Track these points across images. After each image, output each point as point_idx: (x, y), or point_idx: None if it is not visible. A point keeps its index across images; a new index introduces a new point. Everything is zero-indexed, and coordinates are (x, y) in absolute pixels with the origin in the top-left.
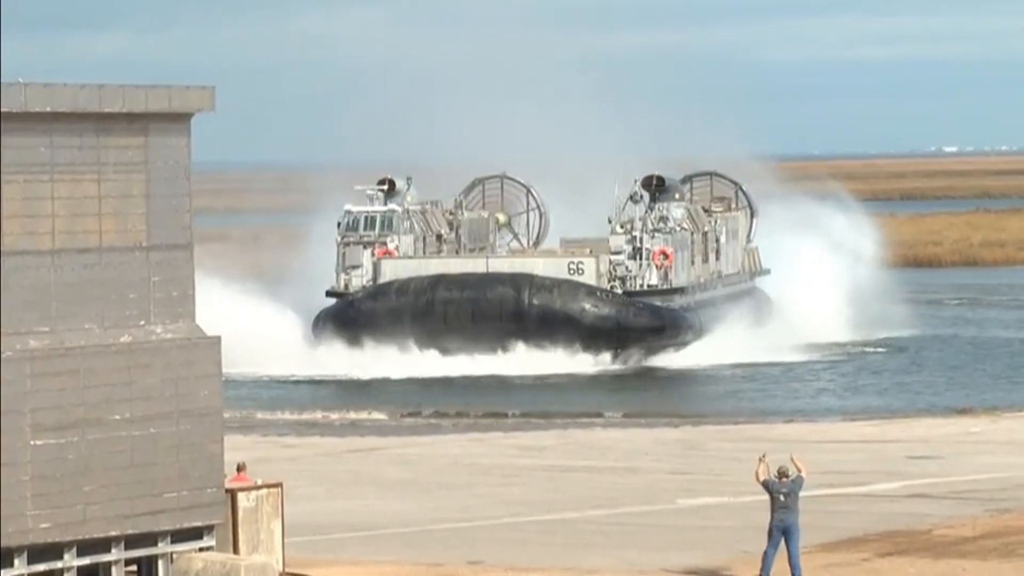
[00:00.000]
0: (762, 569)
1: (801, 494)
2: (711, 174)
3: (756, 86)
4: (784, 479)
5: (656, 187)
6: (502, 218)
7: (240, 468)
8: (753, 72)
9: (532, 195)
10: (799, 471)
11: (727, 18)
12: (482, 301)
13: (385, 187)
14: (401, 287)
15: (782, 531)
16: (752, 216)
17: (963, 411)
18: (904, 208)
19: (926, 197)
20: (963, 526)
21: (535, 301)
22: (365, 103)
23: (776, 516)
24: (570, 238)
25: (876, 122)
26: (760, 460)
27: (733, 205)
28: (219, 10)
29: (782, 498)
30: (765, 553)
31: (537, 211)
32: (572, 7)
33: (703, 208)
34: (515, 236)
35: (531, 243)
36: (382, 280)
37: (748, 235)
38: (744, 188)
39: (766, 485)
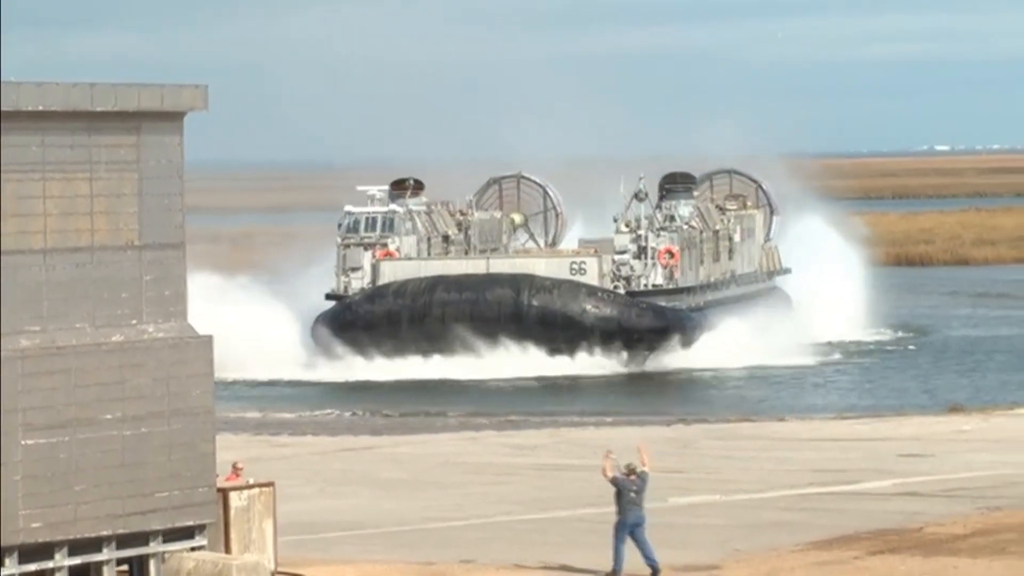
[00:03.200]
0: (615, 564)
1: (785, 493)
2: (730, 172)
3: (748, 85)
4: (633, 476)
5: (675, 184)
6: (518, 219)
7: (236, 467)
8: (745, 72)
9: (549, 195)
10: (643, 465)
11: (721, 18)
12: (480, 303)
13: (400, 188)
14: (399, 289)
15: (634, 526)
16: (772, 214)
17: (954, 409)
18: (896, 207)
19: (918, 196)
20: (954, 524)
21: (534, 302)
22: (364, 102)
23: (626, 512)
24: (589, 239)
25: (868, 121)
26: (606, 456)
27: (750, 203)
28: (213, 9)
29: (632, 494)
30: (616, 549)
31: (554, 211)
32: (572, 6)
33: (717, 206)
34: (532, 236)
35: (548, 244)
36: (381, 282)
37: (767, 234)
38: (764, 186)
39: (615, 482)
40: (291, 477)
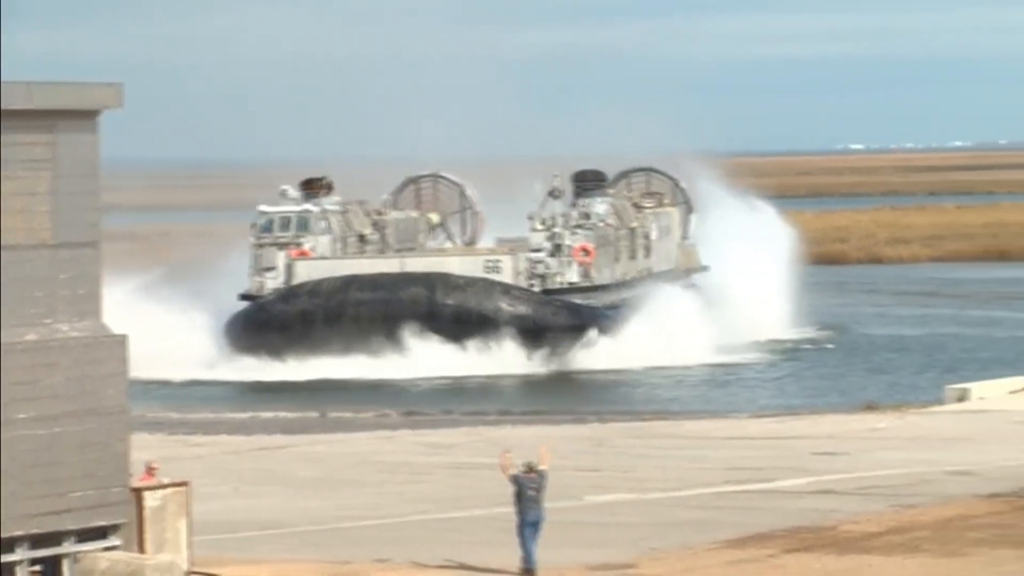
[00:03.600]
0: (528, 563)
1: (701, 491)
2: (648, 170)
3: (662, 83)
4: (532, 474)
5: (585, 182)
6: (435, 218)
7: (150, 467)
8: (659, 69)
9: (466, 194)
10: (543, 464)
11: (635, 15)
12: (394, 301)
13: (311, 187)
14: (313, 289)
15: (534, 524)
16: (689, 212)
17: (869, 407)
18: (811, 205)
19: (833, 194)
20: (868, 522)
21: (449, 301)
22: (279, 100)
23: (526, 511)
24: (507, 238)
25: (784, 119)
26: (504, 454)
27: (667, 201)
28: (128, 6)
29: (531, 492)
30: (527, 549)
31: (471, 210)
32: (484, 5)
33: (633, 204)
34: (449, 236)
35: (465, 243)
36: (295, 282)
37: (685, 232)
38: (682, 184)
39: (515, 480)
40: (206, 476)
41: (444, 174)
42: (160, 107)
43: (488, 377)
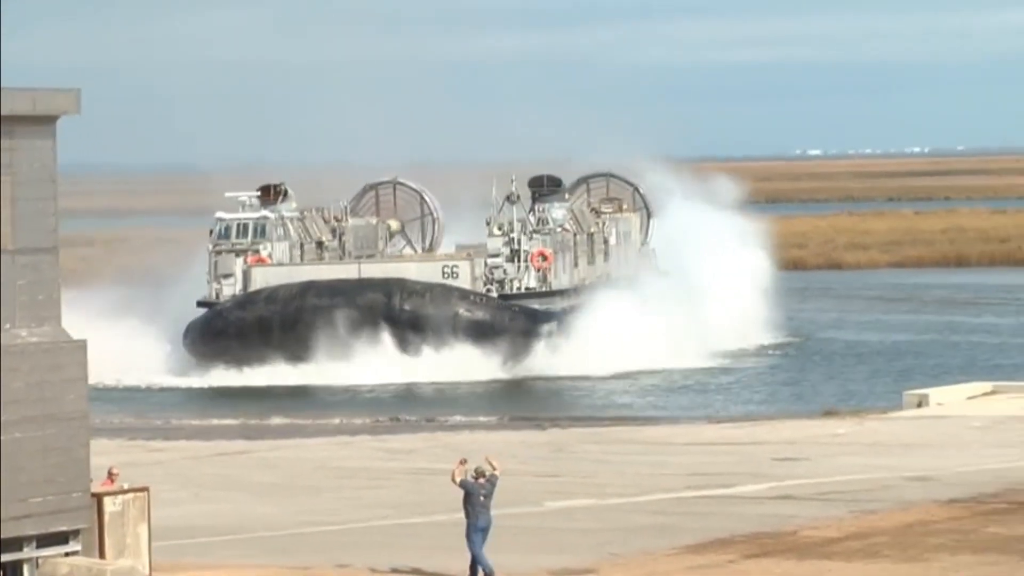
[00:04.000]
0: (484, 567)
1: (661, 496)
2: (607, 175)
3: (620, 89)
4: (481, 479)
5: (541, 188)
6: (394, 225)
7: (111, 473)
8: (618, 75)
9: (425, 200)
10: (494, 470)
11: (594, 21)
12: (352, 307)
13: (268, 194)
14: (270, 295)
15: (483, 529)
16: (649, 218)
17: (828, 413)
18: (769, 211)
19: (791, 200)
20: (828, 527)
21: (406, 306)
22: (239, 105)
23: (475, 516)
24: (466, 243)
25: (742, 125)
26: (459, 463)
27: (626, 206)
28: (84, 10)
29: (481, 498)
30: (478, 554)
31: (431, 216)
32: (446, 8)
33: (592, 209)
34: (409, 242)
35: (425, 249)
36: (252, 288)
37: (644, 237)
38: (641, 190)
39: (464, 486)
40: (165, 482)
41: (403, 181)
42: (118, 112)
43: (445, 383)
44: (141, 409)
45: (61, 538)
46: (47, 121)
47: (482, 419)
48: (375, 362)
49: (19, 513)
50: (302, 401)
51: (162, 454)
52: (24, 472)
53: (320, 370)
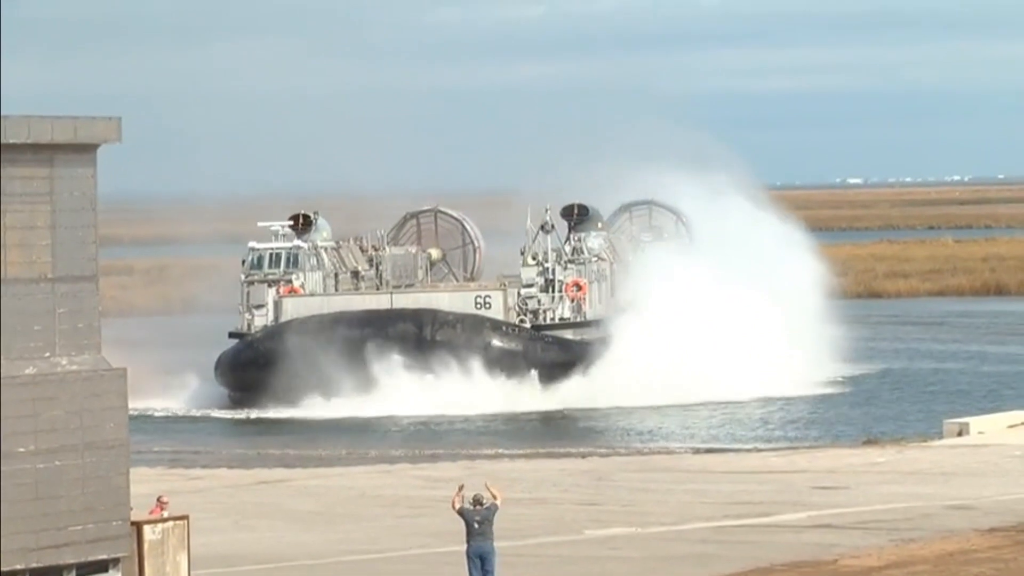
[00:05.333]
0: None
1: (701, 525)
2: (650, 203)
3: (661, 118)
4: (479, 507)
5: (571, 217)
6: (435, 254)
7: (161, 500)
8: (657, 103)
9: (466, 229)
10: (494, 498)
11: (629, 48)
12: (382, 338)
13: (298, 223)
14: (301, 326)
15: (479, 557)
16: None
17: (868, 441)
18: (809, 239)
19: (831, 228)
20: (869, 556)
21: (438, 337)
22: (279, 134)
23: (472, 543)
24: (509, 274)
25: (781, 153)
26: (458, 490)
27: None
28: (126, 39)
29: (476, 525)
30: None
31: (472, 245)
32: (488, 38)
33: (632, 238)
34: (450, 271)
35: (467, 278)
36: (283, 319)
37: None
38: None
39: (461, 513)
40: (205, 510)
41: (444, 209)
42: (158, 141)
43: (477, 415)
44: (180, 438)
45: (101, 566)
46: (88, 149)
47: (525, 449)
48: (405, 393)
49: (59, 542)
50: (334, 432)
51: (202, 482)
52: (64, 500)
53: (349, 402)
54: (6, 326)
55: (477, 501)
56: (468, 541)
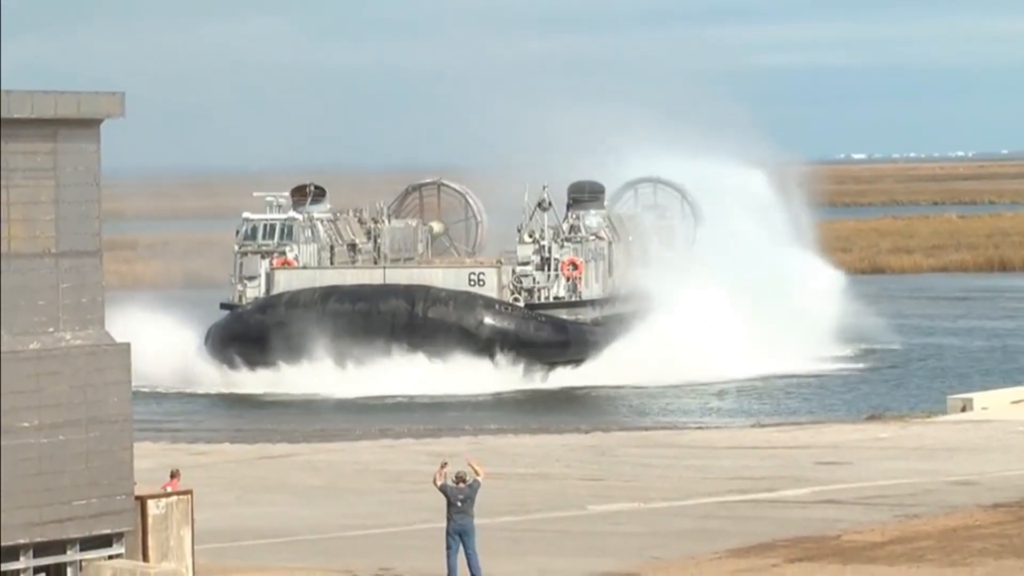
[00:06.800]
0: (448, 573)
1: (704, 500)
2: (655, 180)
3: (665, 92)
4: (461, 484)
5: (582, 194)
6: (437, 227)
7: (174, 474)
8: (661, 78)
9: (469, 203)
10: (476, 475)
11: (638, 23)
12: (373, 314)
13: (301, 194)
14: (292, 299)
15: (459, 534)
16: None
17: (872, 417)
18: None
19: (834, 204)
20: (872, 531)
21: (429, 314)
22: (281, 108)
23: (453, 520)
24: (511, 250)
25: (785, 129)
26: (441, 467)
27: (670, 213)
28: (128, 14)
29: (459, 503)
30: (448, 558)
31: (474, 219)
32: (490, 12)
33: (634, 216)
34: (452, 245)
35: (469, 252)
36: (275, 291)
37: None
38: (688, 195)
39: (443, 490)
40: (209, 485)
41: (447, 182)
42: (161, 115)
43: (467, 395)
44: (179, 412)
45: (104, 541)
46: (91, 124)
47: (531, 424)
48: (395, 371)
49: (62, 516)
50: (315, 412)
51: (205, 457)
52: (67, 475)
53: (339, 378)
54: (10, 301)
55: (460, 478)
56: (449, 518)
